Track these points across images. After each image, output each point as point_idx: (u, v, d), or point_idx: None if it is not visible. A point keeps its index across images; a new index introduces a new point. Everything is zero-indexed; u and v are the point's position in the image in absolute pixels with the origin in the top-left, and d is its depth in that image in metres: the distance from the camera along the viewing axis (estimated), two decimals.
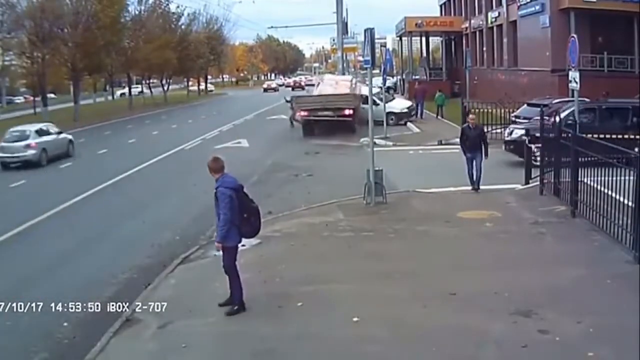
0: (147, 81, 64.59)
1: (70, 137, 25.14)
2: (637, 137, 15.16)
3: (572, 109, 17.97)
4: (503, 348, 6.37)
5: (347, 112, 26.39)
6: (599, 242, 9.58)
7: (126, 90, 62.29)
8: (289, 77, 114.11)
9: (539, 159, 16.79)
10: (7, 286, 9.11)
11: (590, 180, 10.28)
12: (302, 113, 27.39)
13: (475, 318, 7.04)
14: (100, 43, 43.03)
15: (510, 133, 18.38)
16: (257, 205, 7.71)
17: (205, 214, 13.53)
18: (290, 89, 77.59)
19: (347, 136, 25.68)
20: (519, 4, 34.64)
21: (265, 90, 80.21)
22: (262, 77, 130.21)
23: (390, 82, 45.26)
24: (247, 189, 16.45)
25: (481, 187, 13.99)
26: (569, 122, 17.38)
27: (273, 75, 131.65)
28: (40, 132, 23.06)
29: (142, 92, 62.64)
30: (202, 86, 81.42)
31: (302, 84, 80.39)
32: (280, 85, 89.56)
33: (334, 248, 10.18)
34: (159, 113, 48.68)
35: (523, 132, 17.57)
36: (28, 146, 22.05)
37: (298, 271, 9.04)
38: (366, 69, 14.34)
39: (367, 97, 15.55)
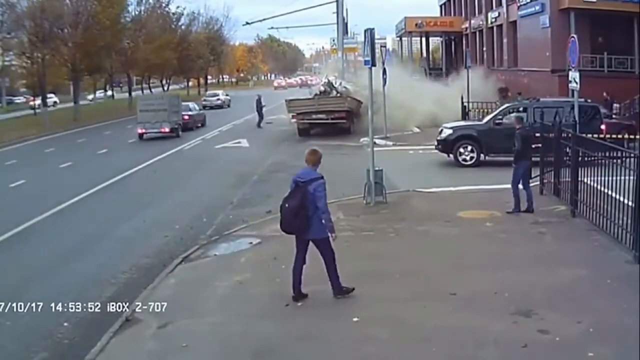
0: (147, 81, 64.56)
1: (229, 97, 54.63)
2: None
3: (500, 109, 18.70)
4: (503, 348, 6.37)
5: (340, 114, 26.34)
6: (599, 242, 9.58)
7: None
8: (289, 78, 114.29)
9: (467, 158, 17.49)
10: (7, 286, 9.09)
11: (590, 180, 10.28)
12: (296, 116, 27.29)
13: (475, 318, 7.04)
14: (100, 43, 43.05)
15: (440, 132, 18.65)
16: (288, 205, 7.56)
17: (206, 213, 13.55)
18: (298, 87, 79.82)
19: (347, 136, 25.67)
20: (519, 4, 34.66)
21: (276, 88, 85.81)
22: (262, 77, 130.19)
23: None
24: (248, 188, 16.61)
25: (481, 187, 13.99)
26: (497, 121, 17.83)
27: (273, 75, 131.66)
28: (222, 94, 55.08)
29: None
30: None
31: (309, 82, 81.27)
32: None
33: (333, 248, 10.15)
34: None
35: (451, 131, 18.03)
36: (218, 99, 52.61)
37: None
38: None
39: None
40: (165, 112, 29.13)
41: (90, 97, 65.04)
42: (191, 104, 35.33)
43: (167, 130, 28.85)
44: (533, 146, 13.35)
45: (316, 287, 8.27)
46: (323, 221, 7.59)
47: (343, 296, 7.77)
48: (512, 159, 12.09)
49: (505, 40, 38.61)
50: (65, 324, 7.82)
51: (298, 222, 7.55)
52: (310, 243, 7.79)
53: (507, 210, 11.68)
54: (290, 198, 7.58)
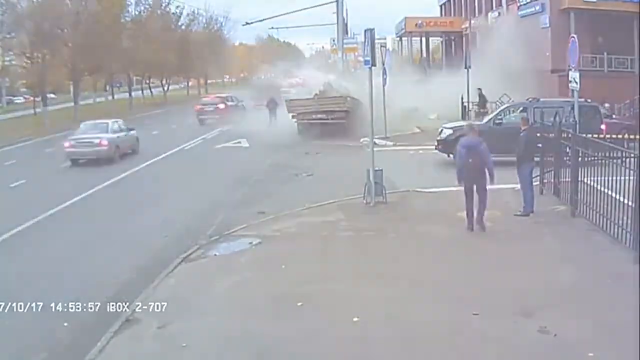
0: (147, 81, 64.48)
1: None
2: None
3: (500, 109, 18.67)
4: (503, 348, 6.37)
5: (340, 114, 26.30)
6: (599, 242, 9.58)
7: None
8: (289, 77, 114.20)
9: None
10: (7, 286, 9.09)
11: (590, 180, 10.29)
12: (296, 116, 27.24)
13: (475, 318, 7.04)
14: (100, 43, 43.01)
15: (440, 132, 18.63)
16: (472, 160, 10.54)
17: (206, 213, 13.55)
18: (300, 86, 79.28)
19: (347, 136, 25.64)
20: (519, 4, 34.62)
21: None
22: (262, 78, 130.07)
23: None
24: (248, 188, 16.61)
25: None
26: (497, 121, 17.78)
27: (273, 75, 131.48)
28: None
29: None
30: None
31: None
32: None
33: (334, 248, 10.18)
34: (159, 113, 48.69)
35: (451, 131, 17.97)
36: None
37: (298, 271, 9.04)
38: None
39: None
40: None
41: (93, 99, 64.39)
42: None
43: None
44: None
45: (316, 287, 8.29)
46: (488, 173, 10.52)
47: (481, 230, 10.52)
48: (512, 158, 12.07)
49: None
50: (65, 324, 7.83)
51: (480, 174, 10.47)
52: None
53: (515, 213, 11.59)
54: (472, 157, 10.46)
